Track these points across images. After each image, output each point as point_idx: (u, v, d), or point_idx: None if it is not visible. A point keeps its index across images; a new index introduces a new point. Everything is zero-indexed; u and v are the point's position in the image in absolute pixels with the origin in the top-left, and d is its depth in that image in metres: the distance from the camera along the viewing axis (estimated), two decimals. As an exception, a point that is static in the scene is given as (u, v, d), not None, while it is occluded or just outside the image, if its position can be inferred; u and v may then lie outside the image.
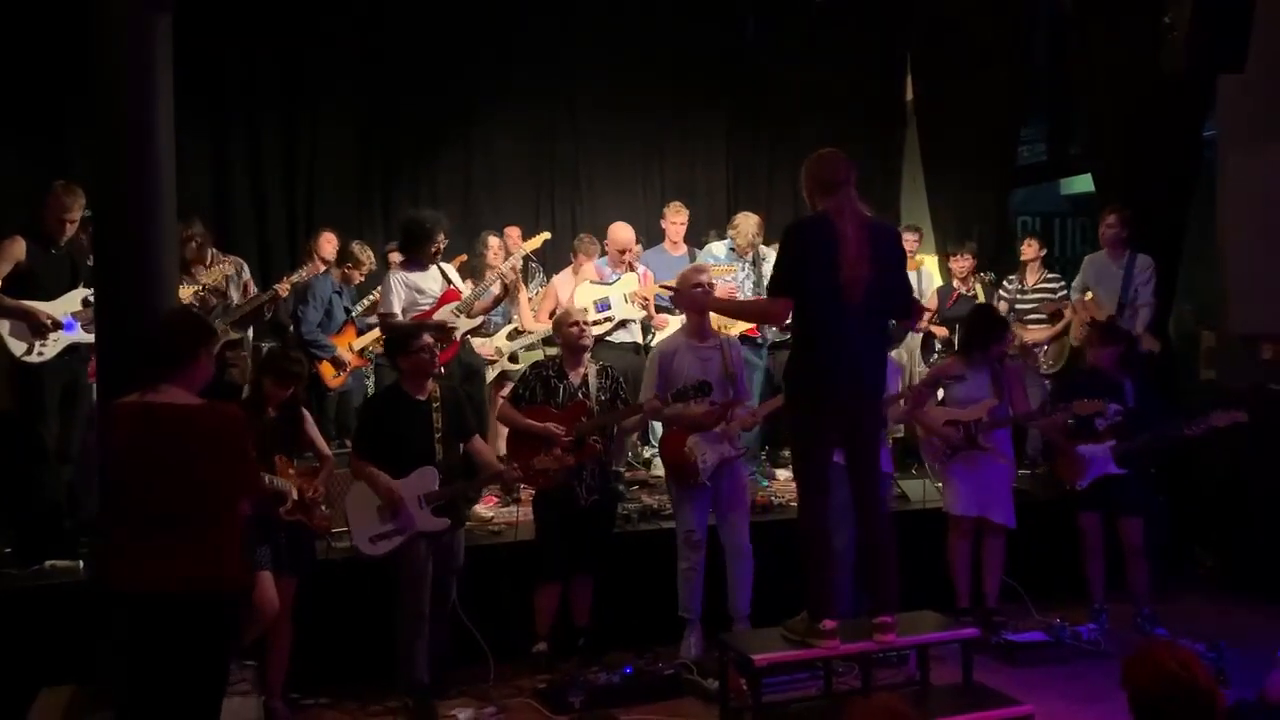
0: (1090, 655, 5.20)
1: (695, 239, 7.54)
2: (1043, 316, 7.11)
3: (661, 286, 6.34)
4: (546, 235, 7.08)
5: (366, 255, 7.05)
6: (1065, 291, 7.16)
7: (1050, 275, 7.36)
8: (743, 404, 5.18)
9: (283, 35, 7.80)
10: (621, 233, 6.84)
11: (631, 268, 6.82)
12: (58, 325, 5.15)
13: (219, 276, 6.15)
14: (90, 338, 5.22)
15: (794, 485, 6.05)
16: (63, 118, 6.99)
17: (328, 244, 7.00)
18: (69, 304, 5.22)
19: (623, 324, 6.69)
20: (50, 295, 5.19)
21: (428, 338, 4.84)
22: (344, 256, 7.00)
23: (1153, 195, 6.75)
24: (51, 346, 5.16)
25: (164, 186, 4.39)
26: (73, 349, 5.24)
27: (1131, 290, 6.43)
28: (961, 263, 7.50)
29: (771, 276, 4.23)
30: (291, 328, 6.65)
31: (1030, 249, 7.32)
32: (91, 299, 5.18)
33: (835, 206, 4.04)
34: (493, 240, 7.15)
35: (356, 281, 7.07)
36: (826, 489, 4.18)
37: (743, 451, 5.12)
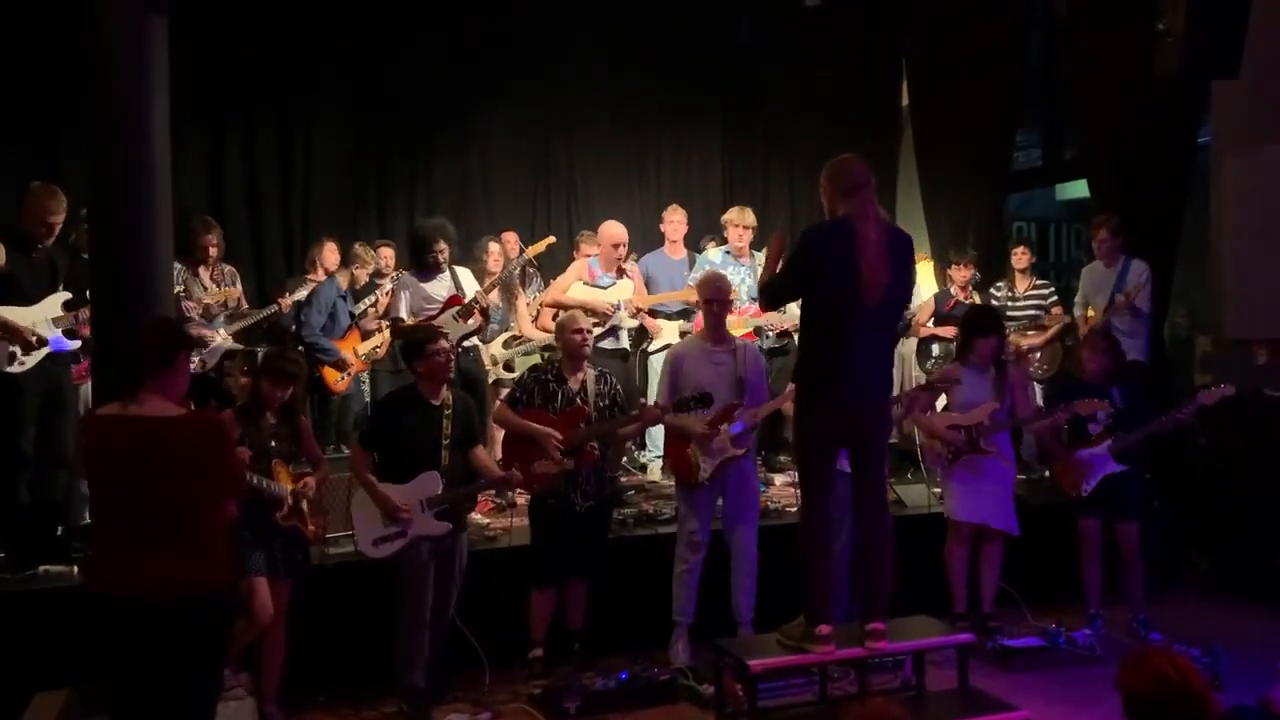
0: (1085, 660, 5.19)
1: (692, 242, 7.52)
2: (1031, 322, 7.10)
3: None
4: (552, 240, 7.06)
5: (370, 255, 7.09)
6: (1055, 297, 7.22)
7: (1040, 282, 7.37)
8: (741, 407, 5.07)
9: (279, 37, 7.80)
10: (613, 229, 6.73)
11: (622, 272, 6.79)
12: (43, 343, 5.10)
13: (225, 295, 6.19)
14: (72, 344, 5.20)
15: (791, 490, 6.11)
16: (59, 120, 6.97)
17: (330, 254, 7.01)
18: (49, 308, 5.18)
19: (613, 330, 6.65)
20: (30, 299, 5.14)
21: (444, 342, 4.84)
22: (348, 258, 7.03)
23: (1148, 200, 6.75)
24: (34, 356, 5.12)
25: (160, 189, 4.40)
26: (53, 354, 5.19)
27: (1123, 289, 6.44)
28: (964, 271, 7.40)
29: (777, 276, 4.20)
30: (294, 329, 6.65)
31: (1024, 257, 7.31)
32: (72, 302, 5.17)
33: (858, 210, 4.01)
34: (493, 246, 7.12)
35: (362, 282, 7.07)
36: (830, 493, 4.18)
37: (745, 452, 5.09)
